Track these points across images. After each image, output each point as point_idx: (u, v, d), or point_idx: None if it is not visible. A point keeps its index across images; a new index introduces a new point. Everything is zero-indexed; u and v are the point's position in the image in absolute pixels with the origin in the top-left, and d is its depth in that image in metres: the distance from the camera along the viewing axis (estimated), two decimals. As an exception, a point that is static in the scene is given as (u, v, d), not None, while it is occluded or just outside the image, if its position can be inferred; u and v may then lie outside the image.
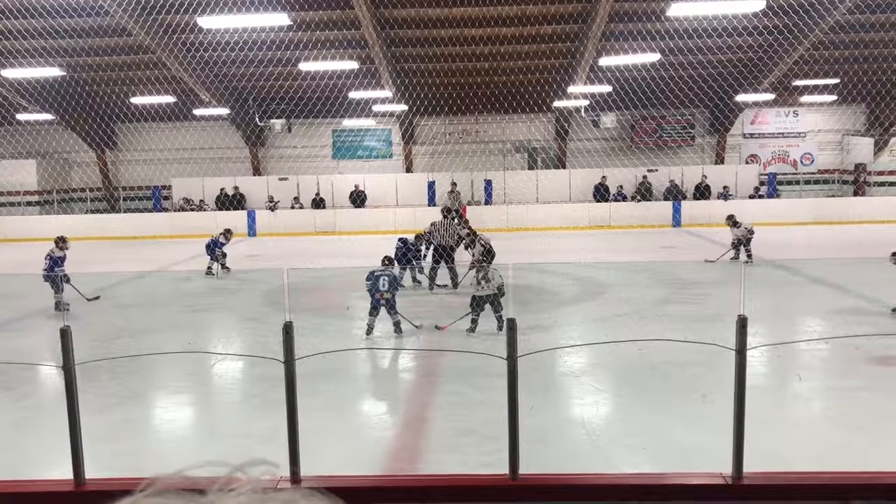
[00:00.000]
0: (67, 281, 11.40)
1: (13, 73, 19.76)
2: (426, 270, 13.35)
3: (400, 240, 13.65)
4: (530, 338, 8.89)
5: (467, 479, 3.29)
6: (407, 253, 13.28)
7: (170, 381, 7.95)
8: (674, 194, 24.39)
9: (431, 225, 14.08)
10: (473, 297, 9.57)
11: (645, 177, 24.97)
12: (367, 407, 7.18)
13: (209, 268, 15.05)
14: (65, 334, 3.30)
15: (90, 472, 3.26)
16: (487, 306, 9.48)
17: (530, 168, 26.61)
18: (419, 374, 8.21)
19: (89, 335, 9.68)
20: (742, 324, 3.12)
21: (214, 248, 15.04)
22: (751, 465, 3.07)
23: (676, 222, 23.32)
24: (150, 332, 10.06)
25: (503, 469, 3.17)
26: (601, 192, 24.55)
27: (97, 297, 11.31)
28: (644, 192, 24.58)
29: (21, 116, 24.39)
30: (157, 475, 1.02)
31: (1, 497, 3.25)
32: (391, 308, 9.50)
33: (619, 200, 24.45)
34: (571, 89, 21.70)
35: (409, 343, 9.39)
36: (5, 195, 25.29)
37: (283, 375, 3.25)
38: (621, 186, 24.73)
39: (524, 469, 3.15)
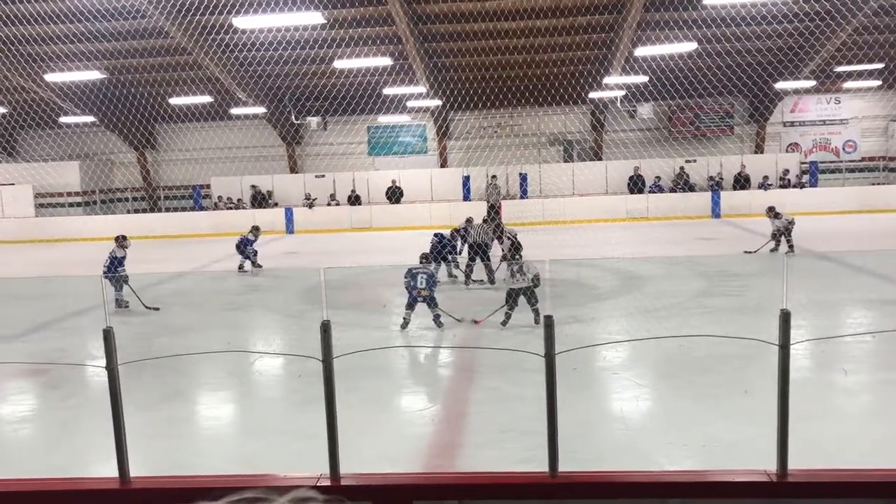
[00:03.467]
0: (126, 282, 11.64)
1: (56, 77, 20.23)
2: (462, 266, 13.39)
3: (435, 235, 13.67)
4: (568, 331, 8.84)
5: (508, 476, 3.29)
6: (443, 249, 13.29)
7: (211, 378, 8.06)
8: (685, 184, 24.21)
9: (467, 222, 14.07)
10: (509, 291, 9.56)
11: (682, 167, 24.69)
12: (406, 403, 7.20)
13: (241, 265, 15.29)
14: (107, 336, 3.35)
15: (135, 470, 3.32)
16: (522, 300, 9.44)
17: (566, 161, 26.43)
18: (457, 370, 8.21)
19: (132, 333, 9.87)
20: (785, 318, 3.06)
21: (245, 247, 15.28)
22: (796, 462, 3.01)
23: (716, 213, 22.99)
24: (191, 331, 10.22)
25: (543, 465, 3.15)
26: (636, 184, 24.31)
27: (157, 308, 11.48)
28: (683, 183, 24.29)
29: (64, 119, 24.95)
30: None
31: (49, 495, 3.33)
32: (431, 303, 9.64)
33: (655, 192, 24.17)
34: (607, 80, 21.48)
35: (447, 338, 9.40)
36: (50, 196, 25.85)
37: (321, 371, 3.27)
38: (658, 178, 24.45)
39: (564, 466, 3.13)
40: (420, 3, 17.85)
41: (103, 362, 3.33)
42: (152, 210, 27.24)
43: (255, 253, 15.45)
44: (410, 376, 8.21)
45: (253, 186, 25.82)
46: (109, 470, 3.41)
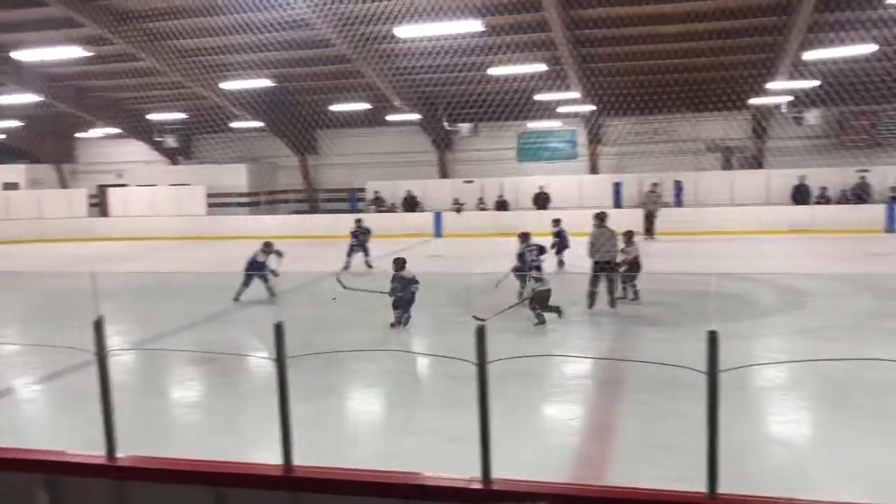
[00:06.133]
0: (266, 280, 12.56)
1: (230, 85, 21.70)
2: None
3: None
4: (731, 348, 8.47)
5: (663, 494, 3.19)
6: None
7: (363, 374, 8.35)
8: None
9: (592, 235, 11.39)
10: (533, 296, 10.26)
11: (863, 177, 22.98)
12: (553, 411, 7.15)
13: (237, 294, 12.64)
14: (279, 329, 3.57)
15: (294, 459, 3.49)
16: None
17: (724, 168, 25.35)
18: (605, 382, 8.06)
19: (291, 328, 10.37)
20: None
21: (254, 266, 12.92)
22: None
23: (891, 228, 21.25)
24: (345, 328, 10.63)
25: (697, 485, 3.04)
26: (801, 194, 22.91)
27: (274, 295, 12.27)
28: (856, 196, 22.65)
29: (235, 125, 26.70)
30: None
31: (217, 476, 3.57)
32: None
33: (822, 203, 22.69)
34: (771, 85, 20.45)
35: (597, 349, 9.27)
36: (220, 196, 27.72)
37: (469, 373, 3.30)
38: (825, 188, 22.92)
39: (722, 487, 3.01)
40: (576, 8, 17.68)
41: (266, 353, 3.54)
42: (311, 212, 28.60)
43: (273, 272, 13.00)
44: (558, 385, 8.12)
45: (375, 192, 26.69)
46: (268, 456, 3.61)
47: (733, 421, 5.99)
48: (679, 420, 6.06)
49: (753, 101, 22.27)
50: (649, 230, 21.66)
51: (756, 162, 25.15)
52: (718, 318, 10.31)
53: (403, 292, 10.40)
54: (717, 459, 3.01)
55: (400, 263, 10.67)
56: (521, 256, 11.51)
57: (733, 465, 5.06)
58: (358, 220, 16.20)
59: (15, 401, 7.91)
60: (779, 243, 19.40)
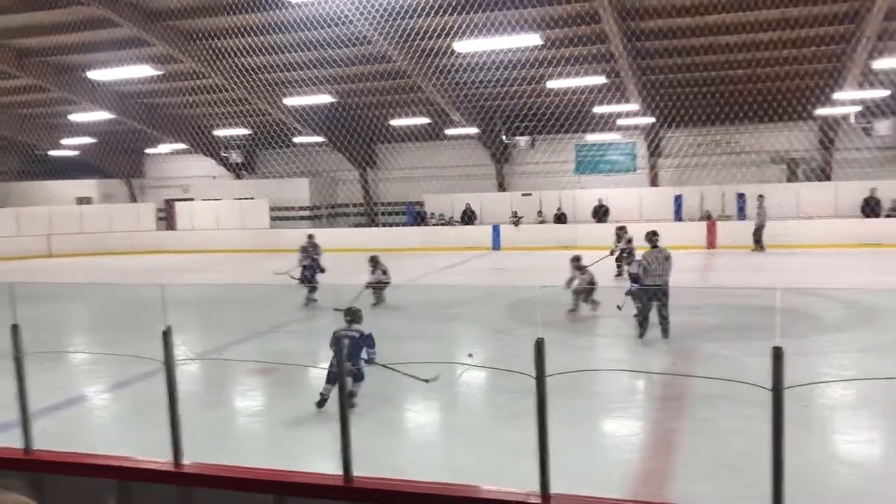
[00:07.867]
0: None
1: (292, 101, 22.17)
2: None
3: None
4: (793, 364, 8.25)
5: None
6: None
7: (419, 386, 8.36)
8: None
9: (645, 258, 10.43)
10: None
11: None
12: (612, 427, 7.07)
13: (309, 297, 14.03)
14: (338, 342, 3.64)
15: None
16: None
17: (789, 181, 24.73)
18: (665, 398, 7.93)
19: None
20: None
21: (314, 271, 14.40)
22: None
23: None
24: (403, 340, 10.70)
25: (762, 506, 2.98)
26: (871, 207, 22.18)
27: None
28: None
29: (297, 139, 27.23)
30: None
31: (278, 485, 3.64)
32: (353, 376, 7.08)
33: (893, 216, 21.92)
34: (838, 95, 19.90)
35: (655, 365, 9.13)
36: (283, 210, 28.26)
37: (525, 387, 3.30)
38: (897, 201, 22.17)
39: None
40: (635, 19, 17.55)
41: (326, 364, 3.60)
42: (370, 224, 28.93)
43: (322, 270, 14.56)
44: (617, 400, 8.03)
45: (467, 204, 26.82)
46: (329, 466, 3.66)
47: (799, 440, 5.84)
48: (741, 438, 5.93)
49: (820, 111, 21.71)
50: (758, 243, 21.02)
51: (823, 174, 24.48)
52: (782, 333, 10.05)
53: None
54: (783, 479, 2.94)
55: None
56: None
57: (799, 486, 4.94)
58: (310, 235, 16.13)
59: (87, 407, 8.19)
60: (847, 257, 18.81)
